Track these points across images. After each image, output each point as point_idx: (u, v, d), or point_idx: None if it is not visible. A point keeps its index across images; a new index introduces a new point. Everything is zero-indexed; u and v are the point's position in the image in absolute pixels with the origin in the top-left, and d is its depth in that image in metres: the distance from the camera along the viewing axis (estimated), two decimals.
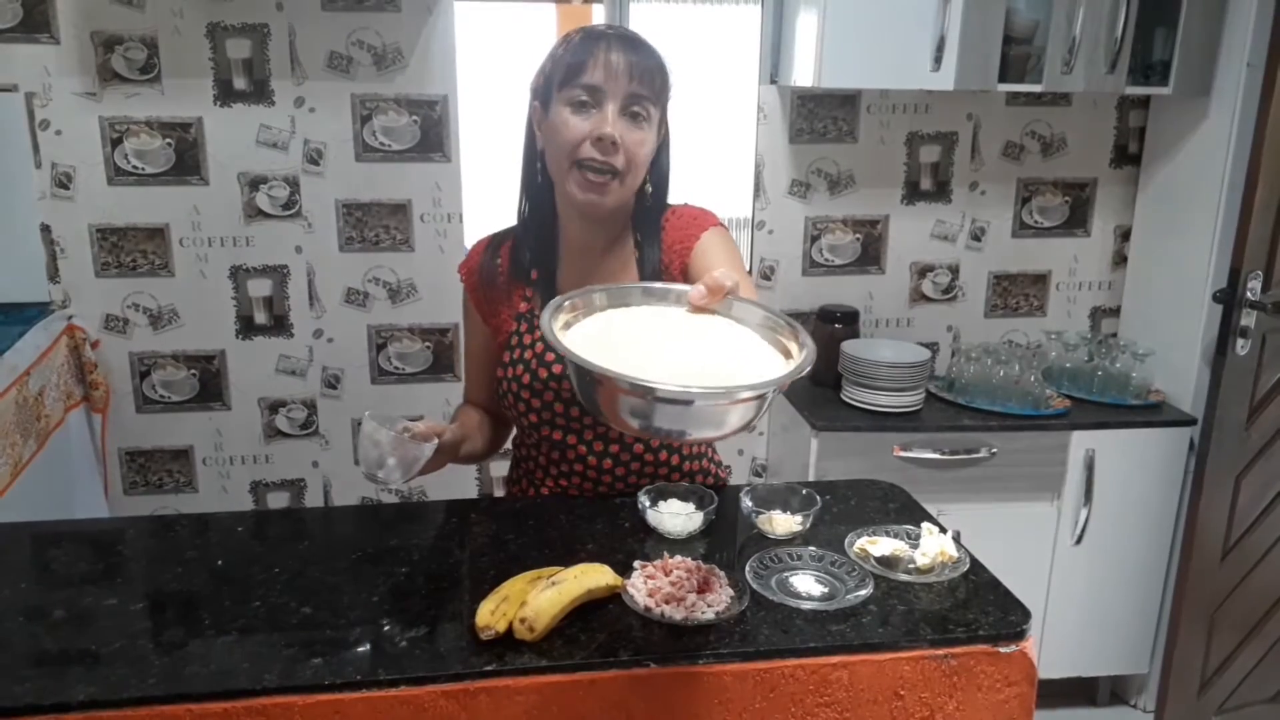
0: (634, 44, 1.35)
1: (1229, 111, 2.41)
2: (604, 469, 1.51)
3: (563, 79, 1.34)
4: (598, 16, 2.66)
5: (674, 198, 1.51)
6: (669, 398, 0.85)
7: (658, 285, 1.08)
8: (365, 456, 1.33)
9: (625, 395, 0.87)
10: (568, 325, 1.01)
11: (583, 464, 1.51)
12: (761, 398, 0.90)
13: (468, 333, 1.60)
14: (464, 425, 1.53)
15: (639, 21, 2.61)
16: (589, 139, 1.33)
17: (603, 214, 1.41)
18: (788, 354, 0.98)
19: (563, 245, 1.49)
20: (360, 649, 1.12)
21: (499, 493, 2.77)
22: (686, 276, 1.44)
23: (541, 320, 0.99)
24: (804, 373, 0.93)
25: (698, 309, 1.03)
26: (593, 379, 0.89)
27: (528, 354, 1.48)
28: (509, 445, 1.69)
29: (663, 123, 1.41)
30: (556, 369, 1.45)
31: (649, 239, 1.47)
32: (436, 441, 1.34)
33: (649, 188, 1.44)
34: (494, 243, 1.54)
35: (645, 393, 0.86)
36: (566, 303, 1.03)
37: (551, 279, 1.49)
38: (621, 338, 0.97)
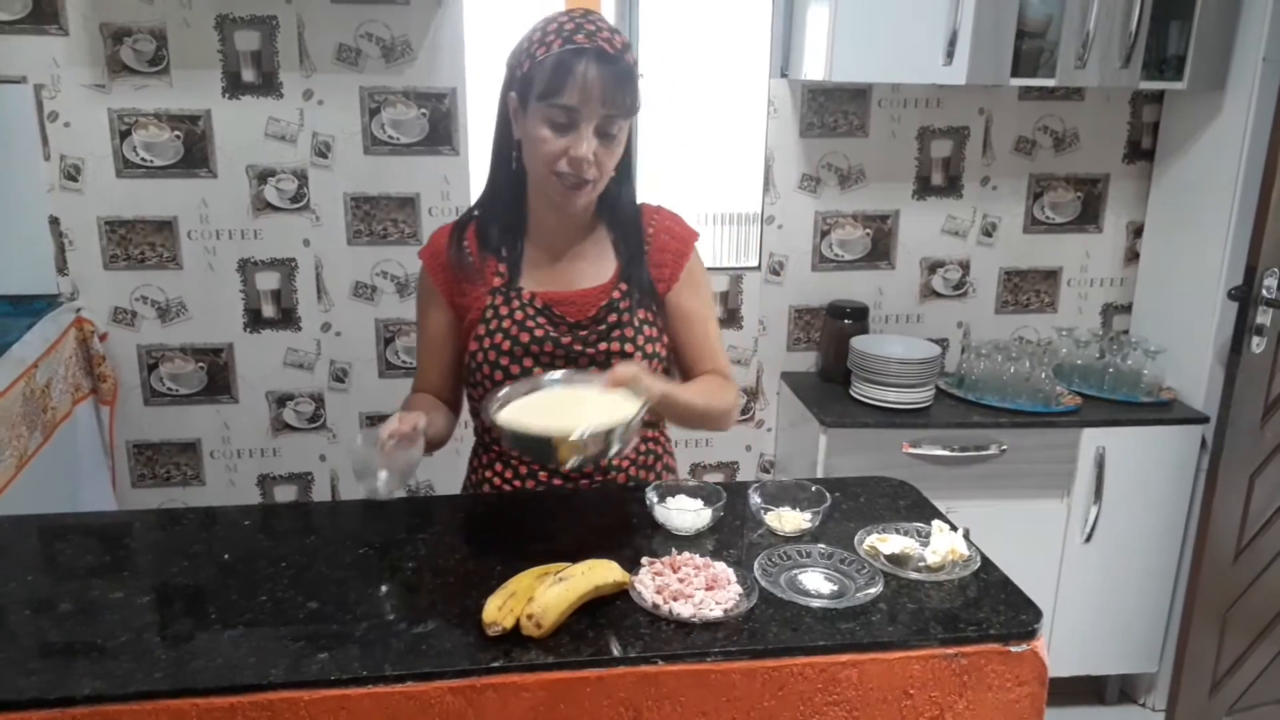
0: (609, 60, 1.38)
1: (1244, 107, 2.39)
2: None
3: (541, 92, 1.39)
4: (607, 10, 2.64)
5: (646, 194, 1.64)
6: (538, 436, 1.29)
7: (569, 372, 1.47)
8: (360, 476, 1.37)
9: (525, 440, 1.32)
10: (501, 406, 1.38)
11: None
12: (610, 433, 1.27)
13: (426, 320, 1.61)
14: (424, 408, 1.54)
15: (648, 15, 2.59)
16: (565, 156, 1.40)
17: (575, 210, 1.50)
18: None
19: (533, 226, 1.56)
20: (367, 644, 1.12)
21: None
22: (677, 285, 1.57)
23: (483, 409, 1.36)
24: (634, 418, 1.29)
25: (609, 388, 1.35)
26: (511, 435, 1.32)
27: (506, 322, 1.51)
28: (465, 445, 1.72)
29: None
30: (538, 333, 1.50)
31: (623, 228, 1.56)
32: (423, 440, 1.39)
33: (614, 173, 1.52)
34: (458, 226, 1.59)
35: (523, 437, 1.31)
36: (500, 393, 1.40)
37: (520, 256, 1.56)
38: (536, 408, 1.37)
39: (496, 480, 1.59)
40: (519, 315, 1.51)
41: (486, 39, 2.54)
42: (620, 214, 1.56)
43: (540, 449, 1.30)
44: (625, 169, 1.55)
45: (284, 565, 1.29)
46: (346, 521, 1.49)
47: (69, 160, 2.42)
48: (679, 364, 1.63)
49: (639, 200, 1.60)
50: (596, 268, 1.55)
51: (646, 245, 1.56)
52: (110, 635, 1.13)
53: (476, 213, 1.58)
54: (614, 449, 1.30)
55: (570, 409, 1.32)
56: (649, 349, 1.53)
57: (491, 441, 1.61)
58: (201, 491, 2.69)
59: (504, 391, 1.40)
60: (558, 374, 1.45)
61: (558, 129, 1.39)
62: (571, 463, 1.29)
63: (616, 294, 1.53)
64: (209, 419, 2.64)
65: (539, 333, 1.50)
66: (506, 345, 1.50)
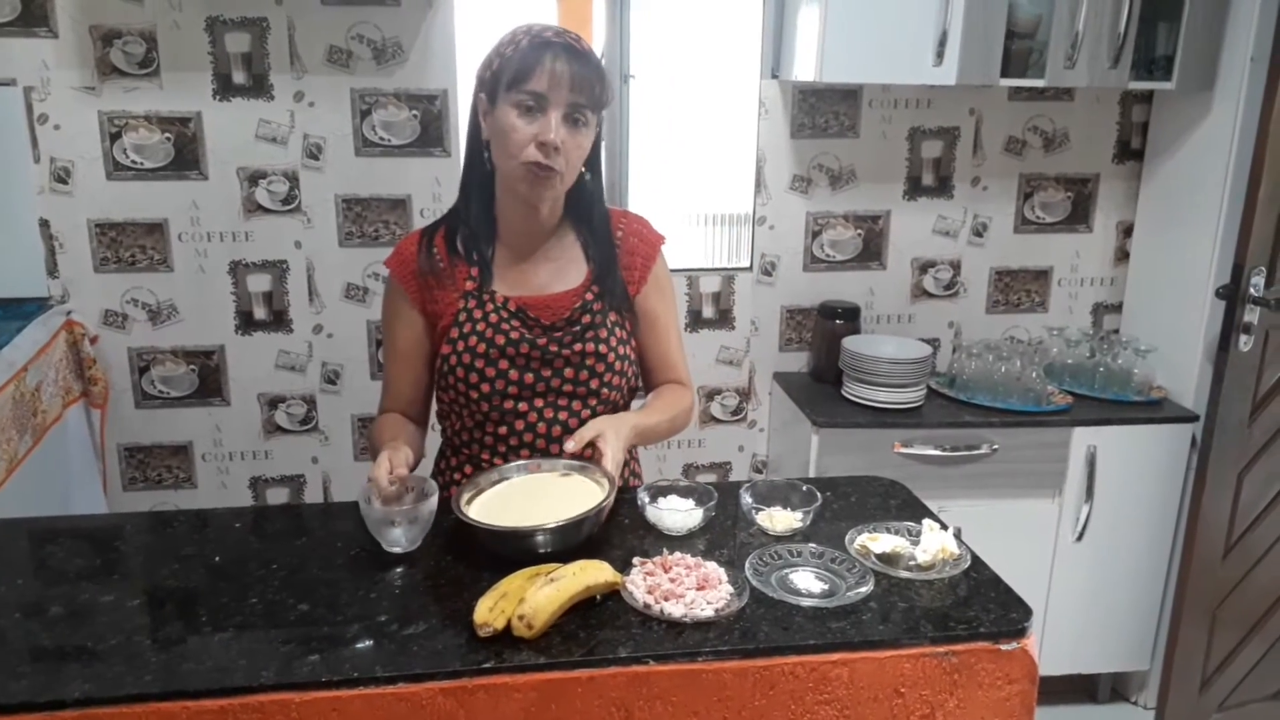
0: (577, 54, 1.44)
1: (1232, 107, 2.40)
2: (552, 436, 1.55)
3: (510, 82, 1.43)
4: (598, 11, 2.65)
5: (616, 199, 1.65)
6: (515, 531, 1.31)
7: (533, 461, 1.51)
8: (383, 536, 1.35)
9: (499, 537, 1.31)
10: (469, 501, 1.40)
11: (532, 432, 1.55)
12: (582, 522, 1.30)
13: (395, 333, 1.60)
14: (396, 432, 1.56)
15: (639, 15, 2.60)
16: (533, 142, 1.42)
17: (543, 205, 1.52)
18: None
19: (502, 227, 1.57)
20: (358, 646, 1.12)
21: None
22: (645, 288, 1.61)
23: (453, 503, 1.37)
24: (601, 509, 1.33)
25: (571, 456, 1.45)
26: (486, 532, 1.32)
27: (480, 325, 1.52)
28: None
29: (599, 122, 1.50)
30: (513, 335, 1.51)
31: (593, 229, 1.58)
32: (437, 490, 1.40)
33: (587, 175, 1.55)
34: (426, 234, 1.59)
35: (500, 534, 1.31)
36: (467, 484, 1.44)
37: (492, 260, 1.57)
38: (504, 501, 1.42)
39: (464, 482, 1.59)
40: (493, 318, 1.52)
41: (477, 41, 2.54)
42: (590, 217, 1.58)
43: (516, 542, 1.29)
44: (594, 171, 1.57)
45: (275, 567, 1.29)
46: (338, 523, 1.49)
47: (59, 163, 2.41)
48: (641, 366, 1.65)
49: (612, 206, 1.63)
50: (567, 271, 1.57)
51: (615, 248, 1.59)
52: (101, 638, 1.13)
53: (448, 219, 1.60)
54: (586, 531, 1.33)
55: (539, 499, 1.37)
56: (620, 350, 1.56)
57: (461, 444, 1.62)
58: (193, 494, 2.68)
59: (469, 483, 1.43)
60: (520, 463, 1.48)
61: (526, 114, 1.42)
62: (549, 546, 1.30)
63: (589, 296, 1.54)
64: (200, 421, 2.64)
65: (514, 335, 1.51)
66: (481, 348, 1.51)
